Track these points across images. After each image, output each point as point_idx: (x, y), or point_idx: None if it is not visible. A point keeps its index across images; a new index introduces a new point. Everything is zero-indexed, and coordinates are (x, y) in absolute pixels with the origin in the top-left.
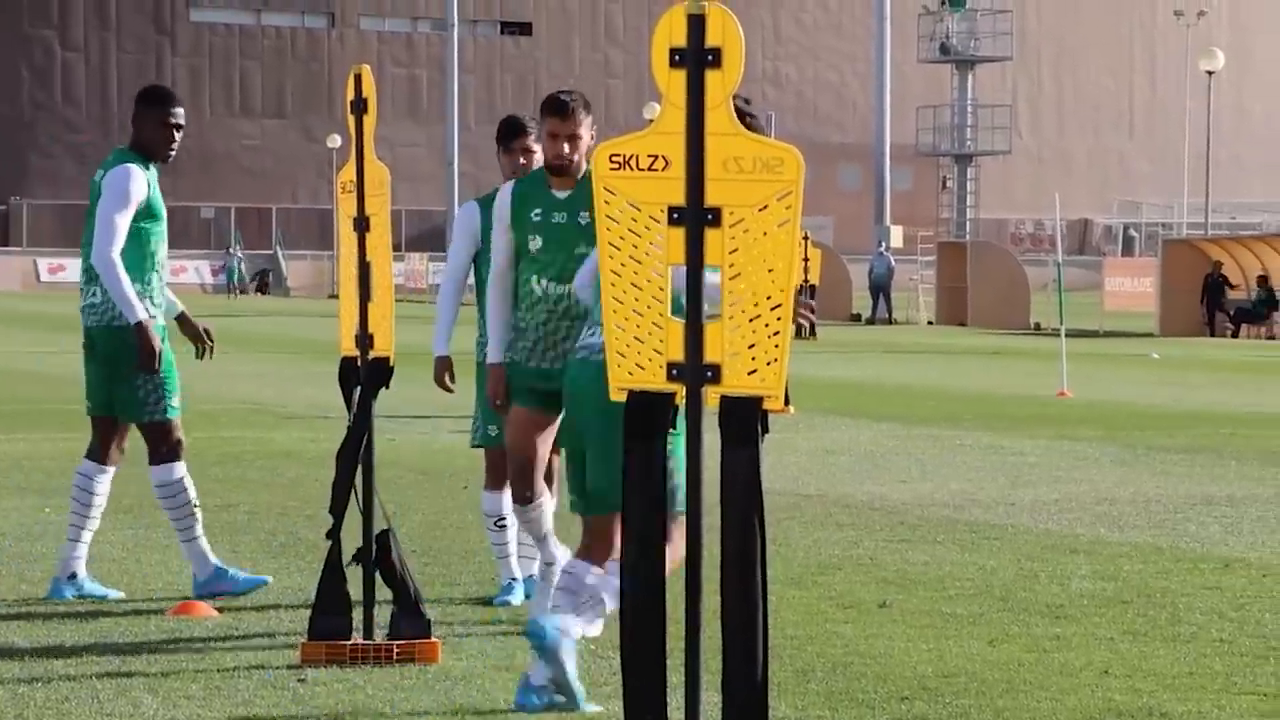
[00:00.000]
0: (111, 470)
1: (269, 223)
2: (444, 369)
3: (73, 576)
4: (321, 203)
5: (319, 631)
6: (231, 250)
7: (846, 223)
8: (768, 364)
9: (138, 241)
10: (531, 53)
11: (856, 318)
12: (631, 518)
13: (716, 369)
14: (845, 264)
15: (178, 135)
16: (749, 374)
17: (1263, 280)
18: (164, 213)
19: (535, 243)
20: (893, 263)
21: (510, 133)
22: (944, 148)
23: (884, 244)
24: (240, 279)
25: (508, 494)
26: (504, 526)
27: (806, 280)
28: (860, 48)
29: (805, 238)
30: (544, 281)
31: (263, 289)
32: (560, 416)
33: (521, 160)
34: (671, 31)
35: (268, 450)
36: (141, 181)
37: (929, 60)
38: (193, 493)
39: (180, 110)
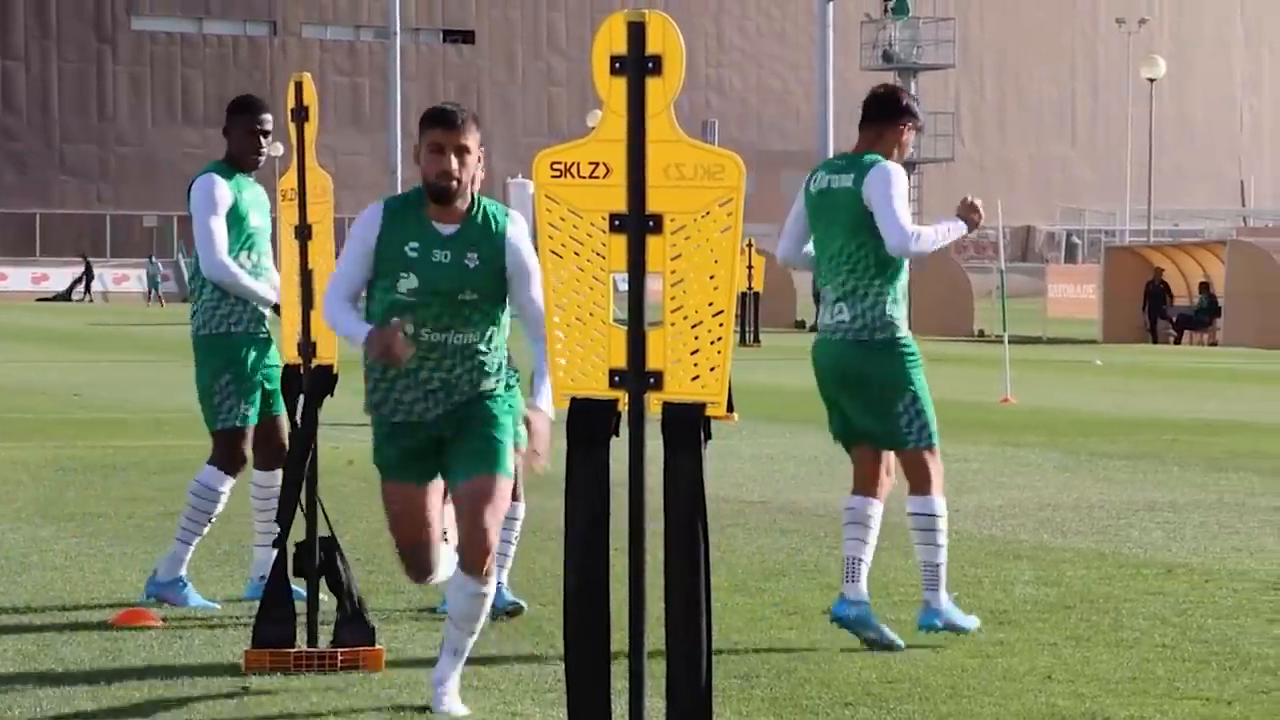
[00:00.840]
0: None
1: None
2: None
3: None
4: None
5: (263, 639)
6: (153, 259)
7: None
8: (710, 370)
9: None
10: (474, 61)
11: (800, 324)
12: (575, 525)
13: (659, 375)
14: (789, 271)
15: (265, 142)
16: (691, 380)
17: (1204, 287)
18: (253, 220)
19: (408, 281)
20: None
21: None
22: None
23: None
24: (157, 286)
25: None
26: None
27: (750, 287)
28: (803, 55)
29: (749, 245)
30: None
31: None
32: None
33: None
34: (612, 39)
35: None
36: (223, 186)
37: (872, 68)
38: (219, 509)
39: (267, 117)
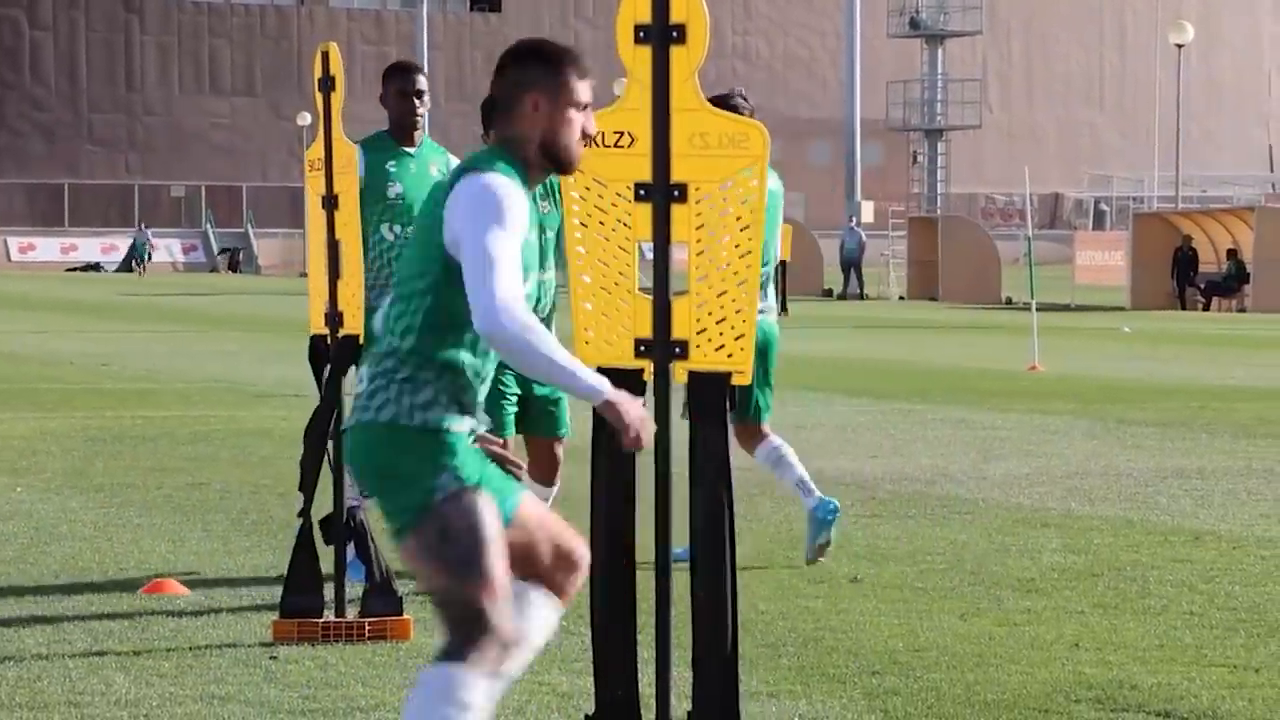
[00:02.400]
0: None
1: (239, 201)
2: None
3: None
4: (292, 181)
5: (291, 609)
6: (142, 227)
7: (817, 198)
8: (735, 339)
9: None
10: (501, 29)
11: (828, 293)
12: (601, 495)
13: (685, 345)
14: (816, 240)
15: (418, 104)
16: (717, 350)
17: (1232, 253)
18: (388, 191)
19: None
20: (864, 238)
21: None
22: (914, 122)
23: (855, 219)
24: (146, 256)
25: None
26: None
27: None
28: (830, 22)
29: None
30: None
31: (234, 267)
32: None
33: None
34: (636, 8)
35: (239, 429)
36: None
37: (898, 35)
38: None
39: (417, 78)
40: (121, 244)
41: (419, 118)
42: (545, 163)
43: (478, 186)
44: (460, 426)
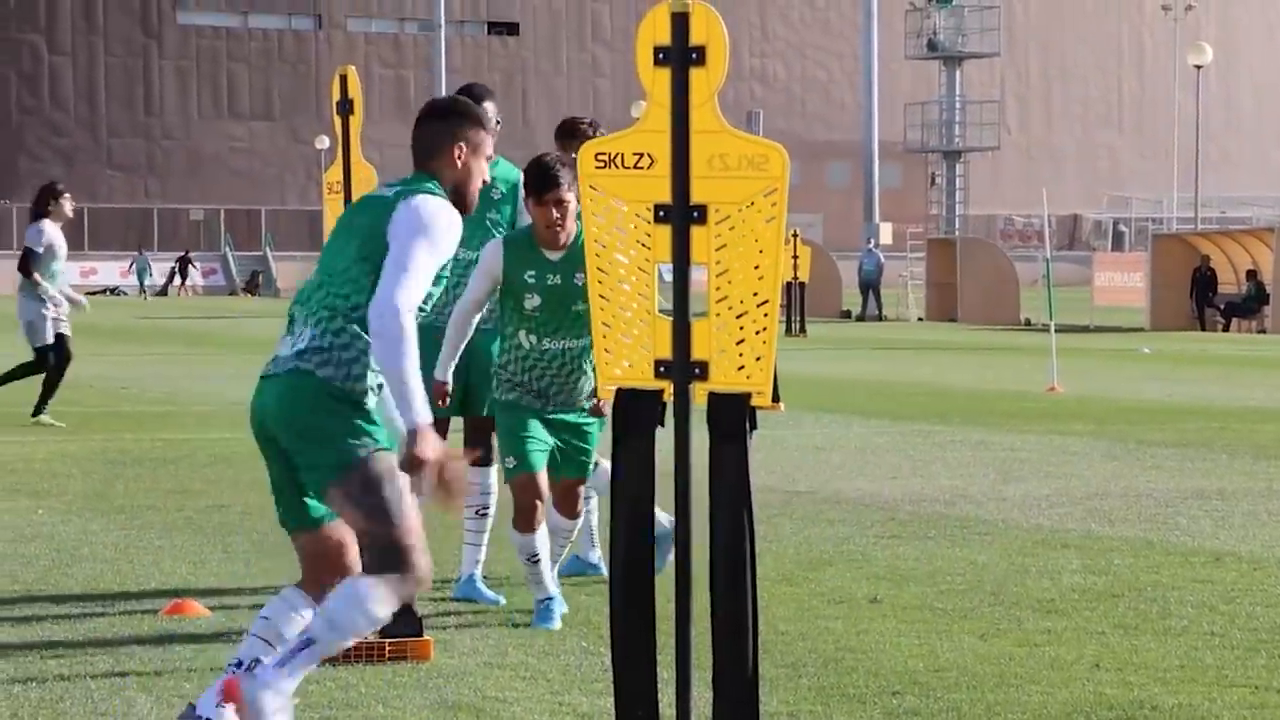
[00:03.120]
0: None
1: (258, 224)
2: (440, 393)
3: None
4: (311, 204)
5: None
6: (141, 252)
7: (836, 220)
8: (755, 360)
9: None
10: (519, 53)
11: (846, 314)
12: (621, 516)
13: (704, 366)
14: (835, 261)
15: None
16: (737, 370)
17: (1252, 274)
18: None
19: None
20: (882, 260)
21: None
22: (932, 144)
23: (873, 241)
24: (145, 279)
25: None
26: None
27: (796, 278)
28: (848, 45)
29: (794, 235)
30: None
31: (252, 290)
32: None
33: (555, 214)
34: (655, 30)
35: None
36: None
37: (916, 57)
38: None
39: (488, 106)
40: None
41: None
42: (453, 200)
43: (430, 205)
44: (375, 398)
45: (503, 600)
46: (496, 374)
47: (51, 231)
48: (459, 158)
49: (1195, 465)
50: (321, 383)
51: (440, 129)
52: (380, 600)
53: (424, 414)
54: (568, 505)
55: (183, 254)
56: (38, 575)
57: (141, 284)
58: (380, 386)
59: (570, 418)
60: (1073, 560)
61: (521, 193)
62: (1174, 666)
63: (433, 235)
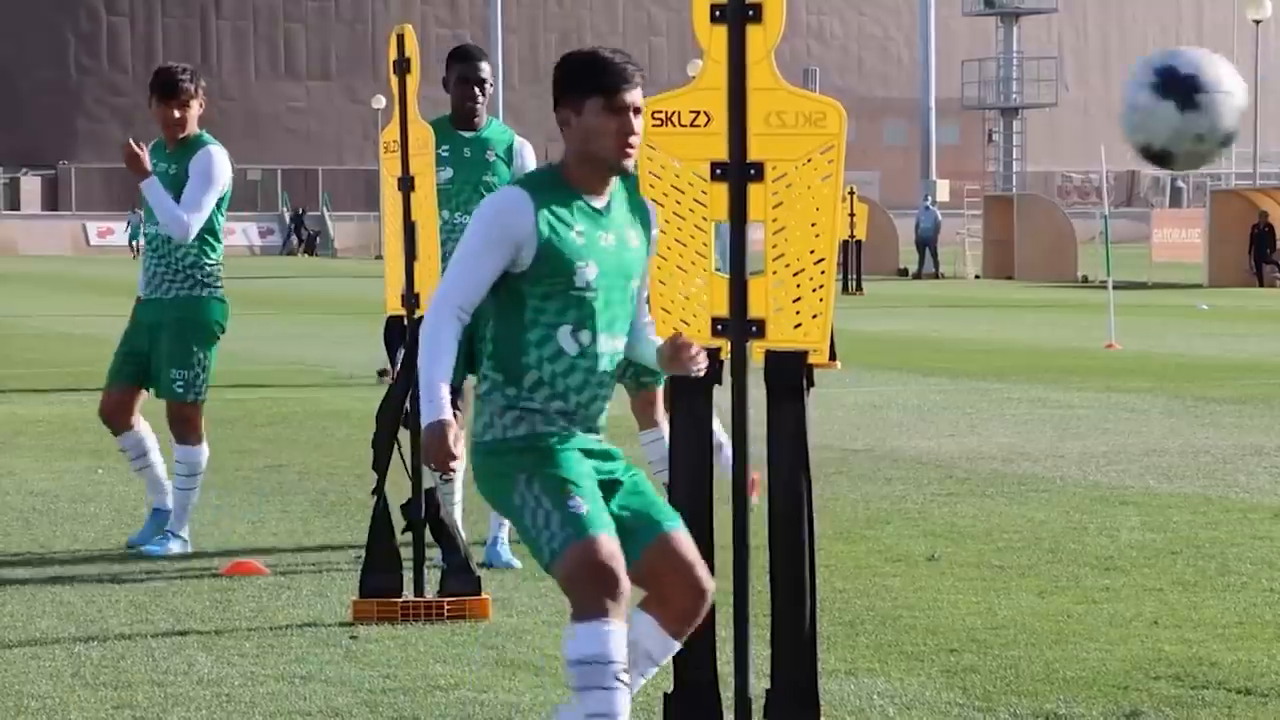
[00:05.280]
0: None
1: (315, 184)
2: None
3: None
4: (367, 164)
5: (370, 589)
6: (135, 210)
7: (893, 177)
8: (812, 318)
9: None
10: (575, 12)
11: (903, 272)
12: (678, 473)
13: (761, 324)
14: (892, 219)
15: (476, 92)
16: (794, 328)
17: None
18: (438, 176)
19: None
20: (939, 217)
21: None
22: (990, 101)
23: (930, 198)
24: (139, 237)
25: None
26: None
27: (853, 235)
28: (905, 2)
29: (851, 193)
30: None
31: (310, 250)
32: None
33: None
34: None
35: (317, 410)
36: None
37: (974, 13)
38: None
39: (480, 65)
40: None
41: (479, 105)
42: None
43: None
44: None
45: (518, 564)
46: None
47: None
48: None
49: (1253, 421)
50: None
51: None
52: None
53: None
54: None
55: (296, 211)
56: (98, 534)
57: (134, 241)
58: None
59: None
60: (1131, 517)
61: (520, 158)
62: (1233, 623)
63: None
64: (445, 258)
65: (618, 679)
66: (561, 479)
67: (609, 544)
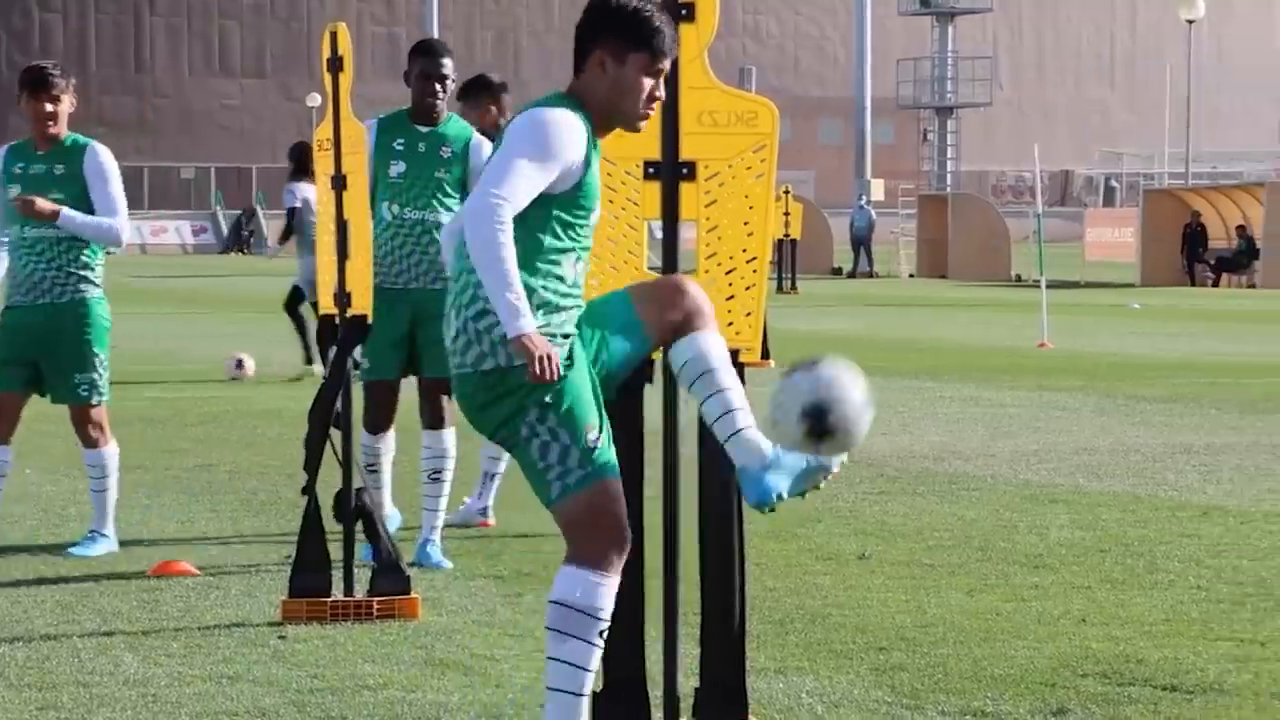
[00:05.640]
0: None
1: (249, 182)
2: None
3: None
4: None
5: (299, 588)
6: None
7: (828, 177)
8: (745, 316)
9: None
10: (511, 10)
11: (838, 271)
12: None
13: None
14: (826, 218)
15: (438, 88)
16: (726, 327)
17: (1241, 230)
18: (390, 170)
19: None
20: (874, 216)
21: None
22: (924, 100)
23: (865, 197)
24: None
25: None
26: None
27: (787, 234)
28: (840, 1)
29: (786, 192)
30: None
31: (243, 248)
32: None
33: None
34: None
35: (248, 409)
36: (372, 132)
37: (909, 13)
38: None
39: (443, 61)
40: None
41: (439, 100)
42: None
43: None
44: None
45: (449, 564)
46: None
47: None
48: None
49: (1183, 420)
50: None
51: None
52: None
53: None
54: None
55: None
56: (25, 535)
57: None
58: None
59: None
60: (1060, 515)
61: (477, 156)
62: (1160, 620)
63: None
64: (390, 254)
65: (600, 635)
66: (578, 413)
67: (619, 490)
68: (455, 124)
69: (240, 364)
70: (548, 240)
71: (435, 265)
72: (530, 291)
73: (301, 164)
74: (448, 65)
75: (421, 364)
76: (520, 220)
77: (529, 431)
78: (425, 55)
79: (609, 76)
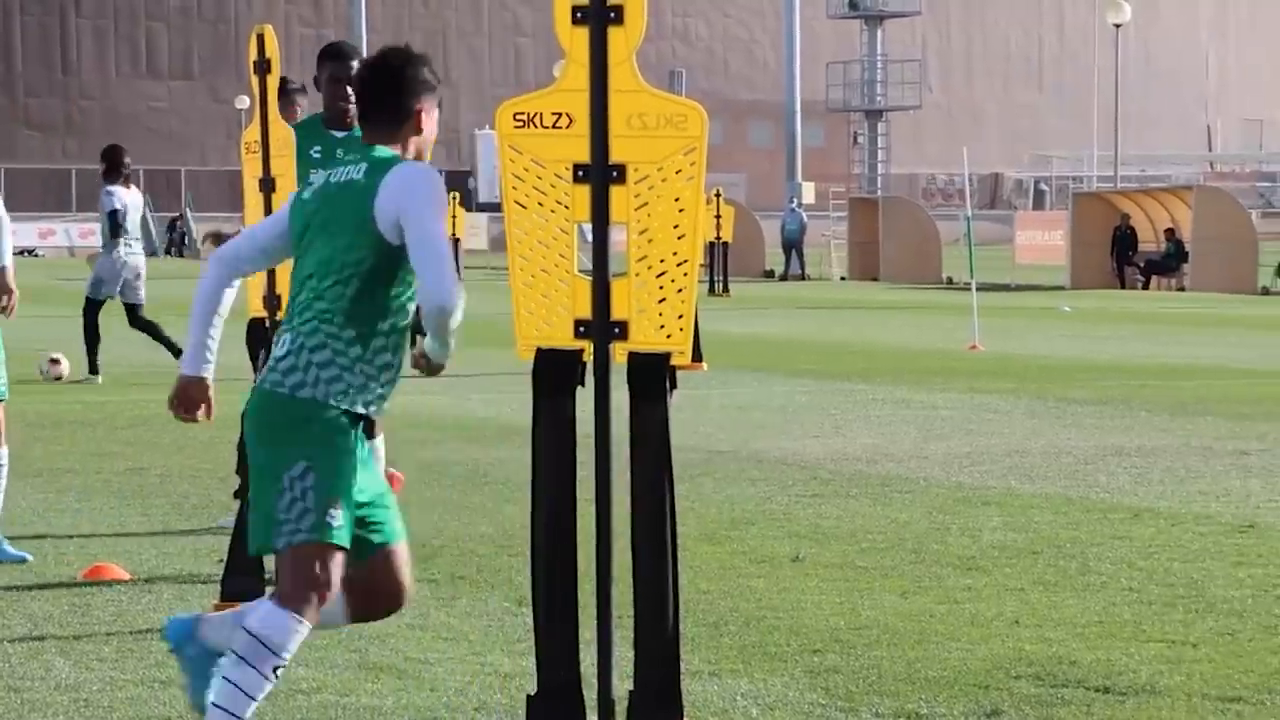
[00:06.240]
0: None
1: (178, 184)
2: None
3: None
4: (231, 164)
5: (230, 592)
6: None
7: (758, 180)
8: (676, 319)
9: None
10: (440, 12)
11: (769, 274)
12: (541, 475)
13: (624, 325)
14: (758, 221)
15: (350, 91)
16: (657, 330)
17: (1170, 233)
18: (311, 177)
19: None
20: (805, 219)
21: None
22: (854, 103)
23: (796, 200)
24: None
25: None
26: None
27: (719, 237)
28: (769, 4)
29: (716, 194)
30: None
31: (176, 251)
32: None
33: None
34: None
35: None
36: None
37: (838, 15)
38: None
39: (349, 65)
40: (58, 228)
41: (351, 104)
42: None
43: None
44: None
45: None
46: None
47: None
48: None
49: (1114, 422)
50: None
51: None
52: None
53: None
54: None
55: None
56: None
57: None
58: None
59: None
60: (993, 517)
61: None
62: (1092, 622)
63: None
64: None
65: (275, 672)
66: (333, 487)
67: (341, 560)
68: None
69: (55, 361)
70: (399, 284)
71: None
72: (375, 335)
73: (113, 166)
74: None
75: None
76: (372, 265)
77: (286, 483)
78: (334, 59)
79: (426, 128)
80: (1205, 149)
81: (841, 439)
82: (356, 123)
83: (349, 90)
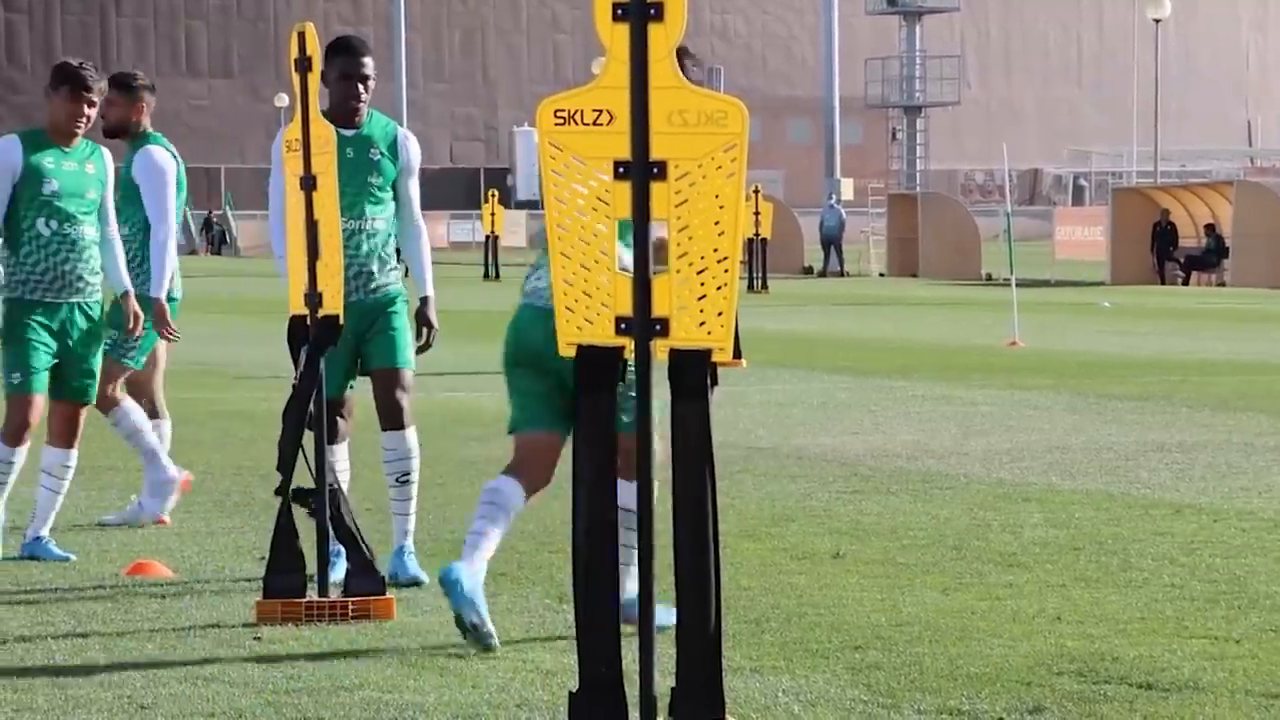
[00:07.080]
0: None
1: (218, 182)
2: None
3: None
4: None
5: (273, 590)
6: None
7: (797, 176)
8: (716, 316)
9: None
10: (479, 9)
11: (808, 271)
12: (583, 473)
13: (665, 322)
14: (796, 217)
15: (361, 89)
16: (698, 326)
17: (1210, 228)
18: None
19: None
20: (844, 215)
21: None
22: (893, 99)
23: (835, 197)
24: None
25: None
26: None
27: (757, 234)
28: (808, 0)
29: (755, 191)
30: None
31: (216, 249)
32: None
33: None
34: None
35: (220, 411)
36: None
37: (876, 12)
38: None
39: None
40: None
41: (362, 103)
42: None
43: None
44: None
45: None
46: None
47: None
48: None
49: (1155, 418)
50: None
51: None
52: None
53: None
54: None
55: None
56: None
57: None
58: None
59: None
60: (1034, 514)
61: (405, 152)
62: (1134, 619)
63: None
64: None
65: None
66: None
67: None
68: (377, 121)
69: None
70: None
71: (374, 274)
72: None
73: None
74: (369, 64)
75: (369, 359)
76: None
77: None
78: (345, 54)
79: None
80: (1245, 144)
81: (881, 435)
82: (364, 120)
83: (360, 88)
